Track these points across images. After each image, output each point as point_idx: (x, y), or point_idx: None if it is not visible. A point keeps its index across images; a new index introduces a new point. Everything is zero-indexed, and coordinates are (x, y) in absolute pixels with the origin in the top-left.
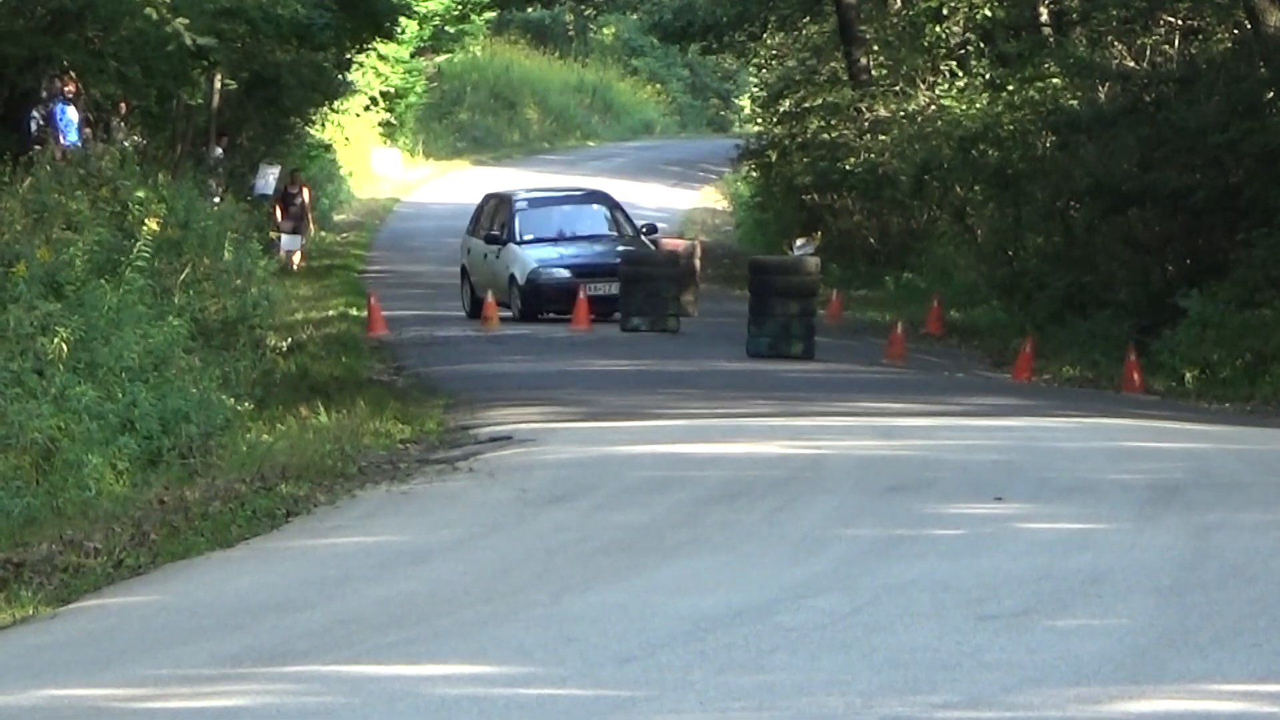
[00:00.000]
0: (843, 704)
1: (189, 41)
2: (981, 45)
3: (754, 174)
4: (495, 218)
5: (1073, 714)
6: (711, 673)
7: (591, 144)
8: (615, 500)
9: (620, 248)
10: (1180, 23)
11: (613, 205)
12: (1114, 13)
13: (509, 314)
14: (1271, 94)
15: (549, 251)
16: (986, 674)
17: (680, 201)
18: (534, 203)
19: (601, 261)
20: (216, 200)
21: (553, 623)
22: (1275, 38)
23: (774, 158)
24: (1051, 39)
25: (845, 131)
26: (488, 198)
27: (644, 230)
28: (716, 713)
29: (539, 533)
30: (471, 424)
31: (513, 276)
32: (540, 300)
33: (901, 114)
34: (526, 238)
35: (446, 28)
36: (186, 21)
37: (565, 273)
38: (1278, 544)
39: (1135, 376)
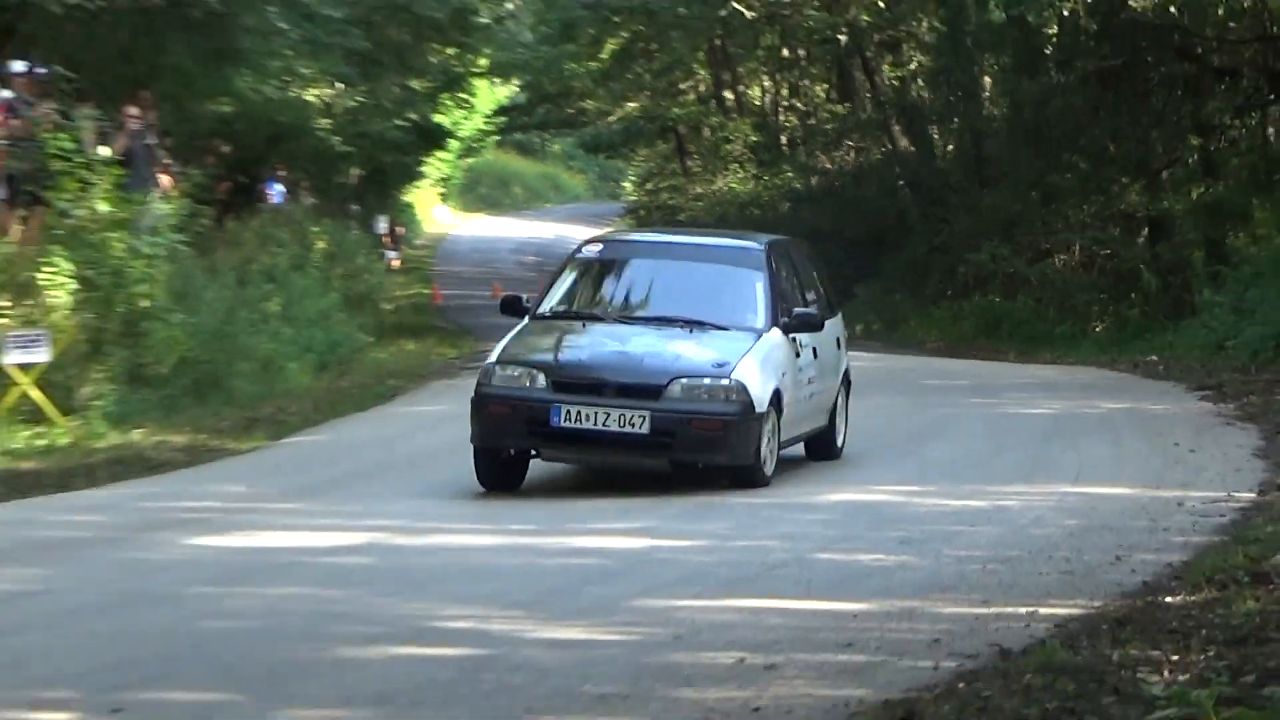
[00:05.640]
0: None
1: (338, 148)
2: (751, 153)
3: (632, 221)
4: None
5: None
6: None
7: (548, 205)
8: None
9: (737, 349)
10: (854, 144)
11: (780, 266)
12: (819, 140)
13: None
14: (901, 184)
15: (562, 338)
16: None
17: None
18: (614, 248)
19: (625, 365)
20: (354, 232)
21: None
22: (904, 154)
23: (642, 213)
24: (786, 151)
25: (679, 199)
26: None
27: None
28: None
29: None
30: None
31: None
32: (488, 431)
33: (709, 190)
34: (556, 307)
35: (473, 144)
36: (340, 139)
37: (540, 381)
38: None
39: None
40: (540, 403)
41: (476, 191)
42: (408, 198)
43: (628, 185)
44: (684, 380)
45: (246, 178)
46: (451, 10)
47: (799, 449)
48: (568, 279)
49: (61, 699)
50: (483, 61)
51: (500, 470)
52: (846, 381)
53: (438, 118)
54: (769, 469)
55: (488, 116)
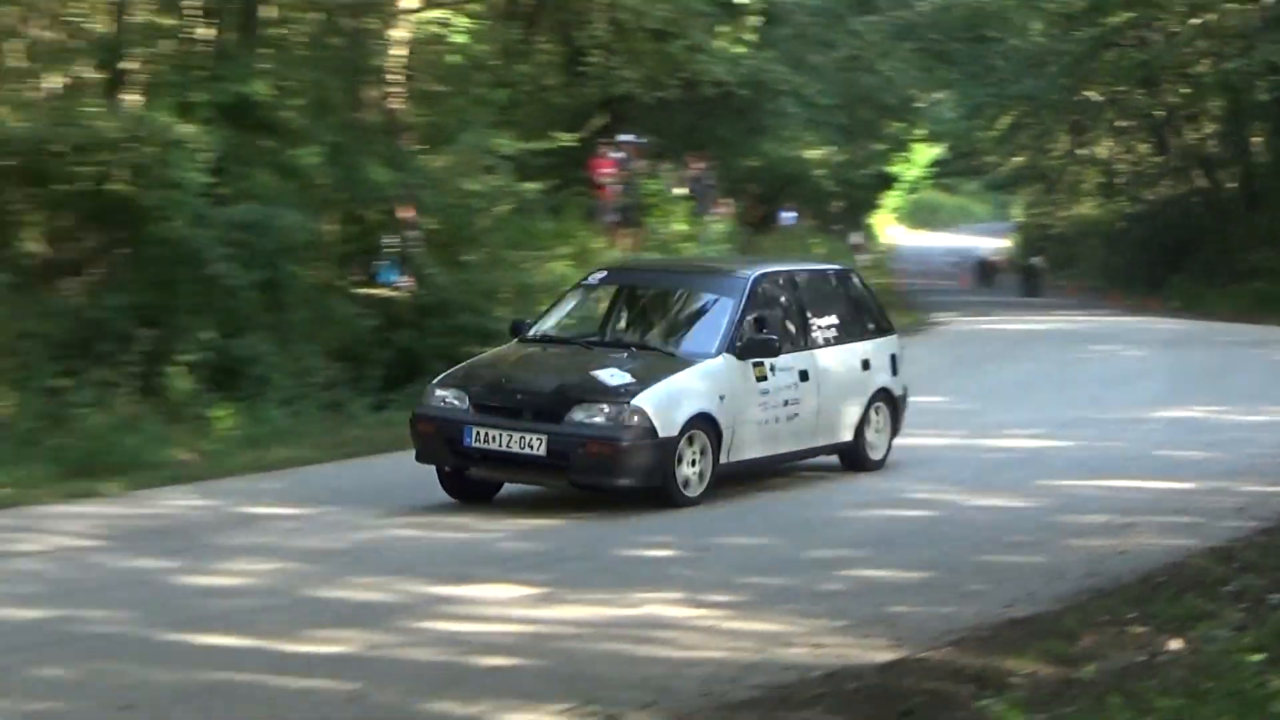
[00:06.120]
0: None
1: (828, 189)
2: (1097, 190)
3: (1020, 236)
4: None
5: None
6: None
7: (962, 224)
8: None
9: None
10: (1167, 183)
11: (768, 295)
12: (1143, 180)
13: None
14: (1199, 209)
15: (510, 361)
16: None
17: (994, 244)
18: (616, 276)
19: (537, 389)
20: (838, 242)
21: None
22: (1200, 189)
23: (1026, 230)
24: (1122, 188)
25: (1050, 220)
26: None
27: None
28: None
29: None
30: None
31: None
32: (421, 448)
33: (1069, 215)
34: (542, 331)
35: (914, 185)
36: (830, 183)
37: (463, 401)
38: None
39: None
40: (457, 423)
41: (916, 216)
42: (871, 220)
43: (1015, 210)
44: (584, 404)
45: (769, 208)
46: (901, 99)
47: (833, 460)
48: (567, 304)
49: (665, 541)
50: (919, 131)
51: (457, 484)
52: (889, 399)
53: (890, 168)
54: (695, 490)
55: (923, 167)
